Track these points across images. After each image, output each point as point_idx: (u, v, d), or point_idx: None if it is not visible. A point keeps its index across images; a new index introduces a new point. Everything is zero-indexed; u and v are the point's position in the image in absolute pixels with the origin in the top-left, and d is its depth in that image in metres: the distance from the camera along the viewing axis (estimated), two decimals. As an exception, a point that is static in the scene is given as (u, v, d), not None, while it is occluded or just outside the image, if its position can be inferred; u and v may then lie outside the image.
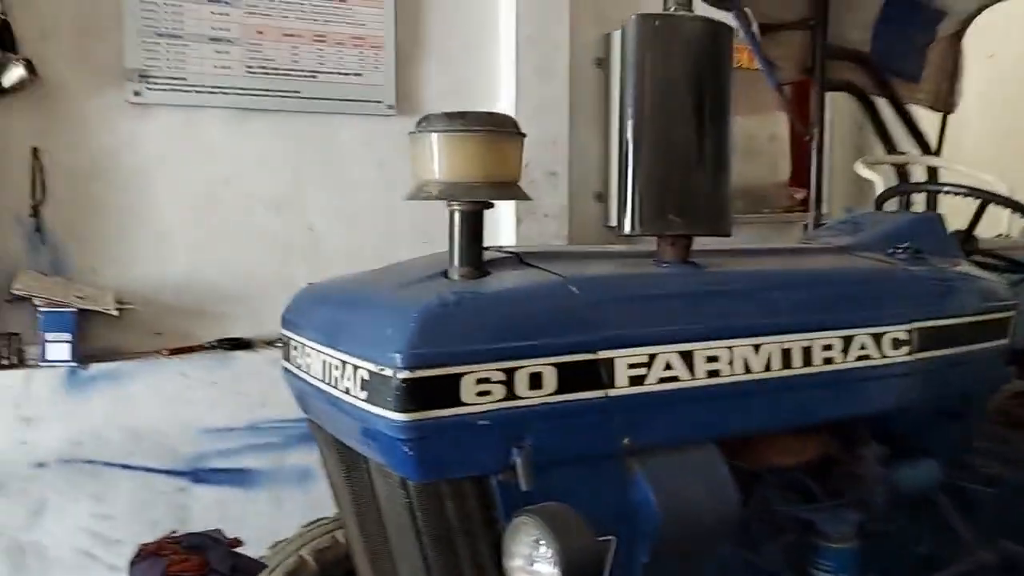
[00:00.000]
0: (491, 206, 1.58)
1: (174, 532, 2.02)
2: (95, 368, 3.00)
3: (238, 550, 1.94)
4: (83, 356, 2.98)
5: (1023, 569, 2.21)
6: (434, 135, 1.51)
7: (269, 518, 3.22)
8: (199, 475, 3.17)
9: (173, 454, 3.12)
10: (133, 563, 1.88)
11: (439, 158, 1.51)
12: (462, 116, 1.52)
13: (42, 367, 2.92)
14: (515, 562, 1.38)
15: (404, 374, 1.36)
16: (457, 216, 1.56)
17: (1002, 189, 3.07)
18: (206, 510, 3.13)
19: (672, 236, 1.72)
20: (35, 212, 3.00)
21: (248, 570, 1.94)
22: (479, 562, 1.49)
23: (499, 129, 1.53)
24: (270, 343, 3.35)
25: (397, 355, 1.37)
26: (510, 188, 1.55)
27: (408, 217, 3.68)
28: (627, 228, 1.68)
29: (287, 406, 3.23)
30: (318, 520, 2.46)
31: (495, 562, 1.45)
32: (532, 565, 1.36)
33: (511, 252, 1.71)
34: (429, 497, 1.47)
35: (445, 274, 1.58)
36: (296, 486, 3.34)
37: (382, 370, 1.40)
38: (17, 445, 2.88)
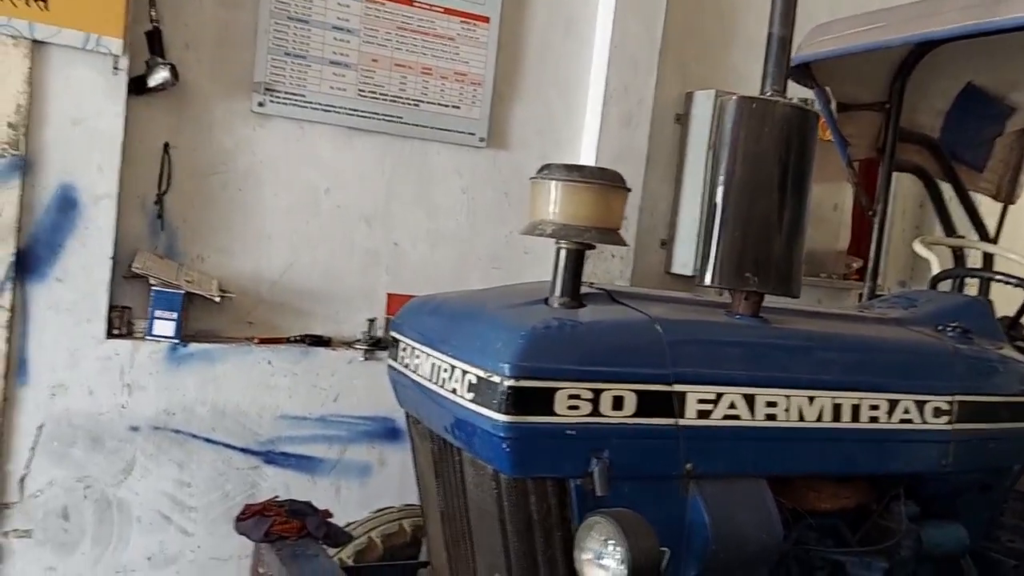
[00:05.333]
0: (593, 247, 1.82)
1: (276, 496, 2.26)
2: (193, 347, 3.29)
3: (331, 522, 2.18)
4: (184, 335, 3.27)
5: (1037, 638, 2.36)
6: (554, 182, 1.76)
7: (328, 505, 3.44)
8: (271, 456, 3.44)
9: (251, 434, 3.39)
10: (239, 519, 2.12)
11: (556, 202, 1.76)
12: (579, 169, 1.77)
13: (147, 340, 3.22)
14: (586, 555, 1.61)
15: (510, 382, 1.61)
16: (563, 253, 1.80)
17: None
18: (272, 490, 3.36)
19: (747, 292, 1.94)
20: (159, 200, 3.31)
21: (337, 538, 2.18)
22: (552, 554, 1.72)
23: (610, 183, 1.77)
24: (348, 343, 3.62)
25: (506, 365, 1.62)
26: (613, 235, 1.79)
27: (484, 243, 3.95)
28: (707, 280, 1.91)
29: (357, 403, 3.56)
30: (387, 508, 2.71)
31: (566, 554, 1.67)
32: (601, 560, 1.58)
33: (603, 289, 1.95)
34: (516, 491, 1.70)
35: (546, 301, 1.82)
36: (355, 478, 3.59)
37: (490, 376, 1.64)
38: (117, 408, 3.17)
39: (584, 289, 1.90)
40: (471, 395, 1.69)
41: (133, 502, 3.22)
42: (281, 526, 2.04)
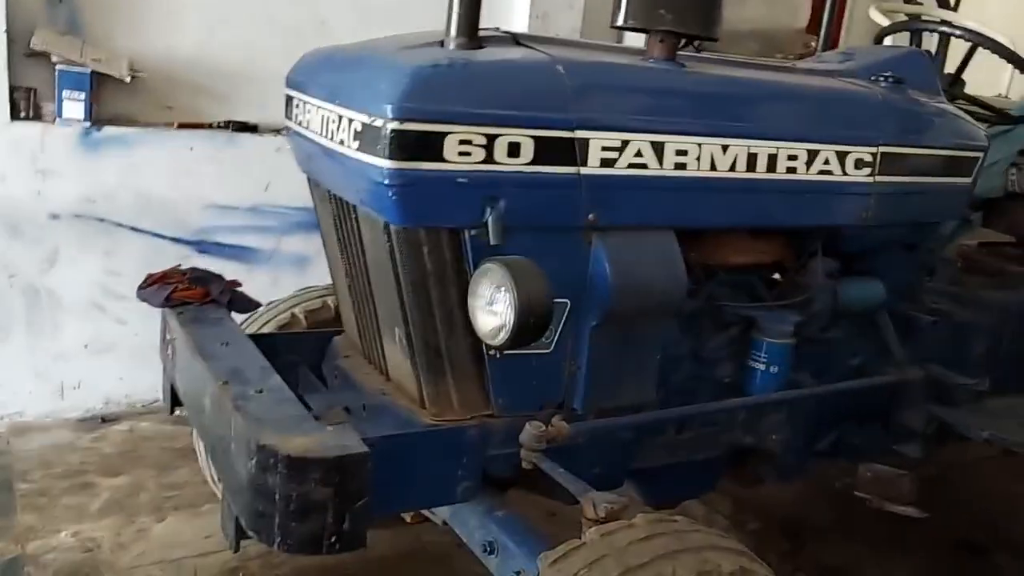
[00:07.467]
0: (490, -21, 1.65)
1: (179, 265, 2.20)
2: (108, 131, 3.12)
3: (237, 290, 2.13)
4: (97, 119, 3.09)
5: (945, 388, 2.42)
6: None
7: (265, 295, 3.42)
8: (203, 246, 3.36)
9: (179, 223, 3.30)
10: (141, 287, 2.07)
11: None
12: None
13: (58, 124, 3.04)
14: (477, 302, 1.57)
15: (394, 125, 1.49)
16: (458, -15, 1.62)
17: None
18: (208, 279, 3.33)
19: (661, 33, 1.79)
20: (53, -31, 3.02)
21: (243, 304, 2.14)
22: (448, 304, 1.68)
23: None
24: (276, 131, 3.45)
25: (388, 106, 1.50)
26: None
27: (421, 19, 3.66)
28: (620, 20, 1.76)
29: (289, 193, 3.43)
30: (311, 287, 2.67)
31: (462, 307, 1.63)
32: (492, 306, 1.54)
33: (509, 33, 1.79)
34: (409, 243, 1.63)
35: (442, 43, 1.67)
36: (292, 268, 3.54)
37: (373, 121, 1.52)
38: (33, 195, 3.05)
39: (490, 33, 1.74)
40: (356, 143, 1.58)
41: (63, 291, 3.17)
42: (183, 292, 2.00)
